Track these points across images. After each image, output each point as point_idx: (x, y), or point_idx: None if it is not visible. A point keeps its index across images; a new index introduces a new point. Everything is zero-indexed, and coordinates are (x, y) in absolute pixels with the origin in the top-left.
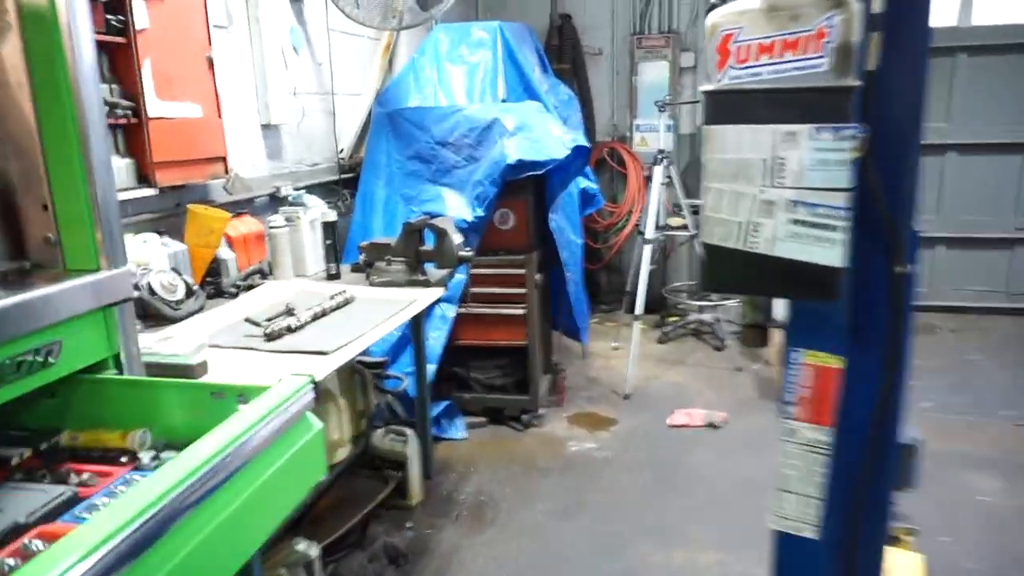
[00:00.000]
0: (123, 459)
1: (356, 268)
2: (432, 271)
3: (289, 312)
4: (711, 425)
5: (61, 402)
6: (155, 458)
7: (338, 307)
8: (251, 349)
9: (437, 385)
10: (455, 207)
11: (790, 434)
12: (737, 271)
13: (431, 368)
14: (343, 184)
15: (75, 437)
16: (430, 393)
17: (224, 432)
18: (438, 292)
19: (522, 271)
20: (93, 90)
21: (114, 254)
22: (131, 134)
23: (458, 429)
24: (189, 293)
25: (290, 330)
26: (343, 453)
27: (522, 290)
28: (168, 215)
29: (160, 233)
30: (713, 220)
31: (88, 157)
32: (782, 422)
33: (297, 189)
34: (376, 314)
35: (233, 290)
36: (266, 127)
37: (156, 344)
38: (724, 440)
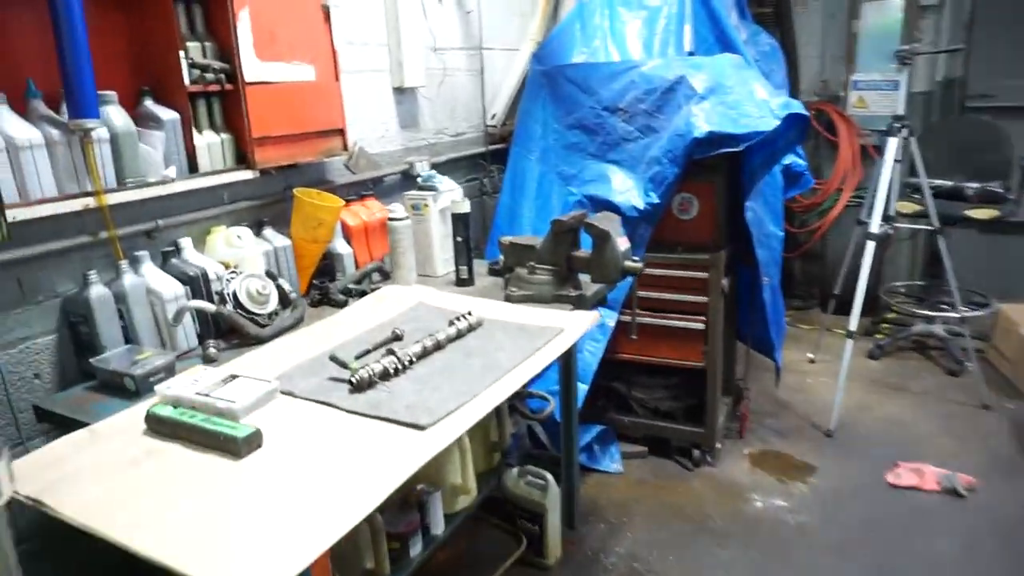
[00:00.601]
0: None
1: (494, 270)
2: (587, 283)
3: (393, 340)
4: (952, 492)
5: None
6: None
7: (459, 336)
8: (328, 405)
9: (591, 402)
10: (623, 190)
11: None
12: None
13: (583, 388)
14: (492, 158)
15: None
16: (580, 416)
17: None
18: (592, 317)
19: (705, 274)
20: None
21: None
22: (229, 103)
23: (612, 459)
24: (286, 302)
25: (385, 376)
26: (465, 501)
27: (703, 298)
28: (274, 201)
29: (262, 225)
30: None
31: None
32: None
33: (436, 165)
34: (507, 351)
35: (341, 297)
36: (399, 91)
37: (216, 388)
38: (971, 516)
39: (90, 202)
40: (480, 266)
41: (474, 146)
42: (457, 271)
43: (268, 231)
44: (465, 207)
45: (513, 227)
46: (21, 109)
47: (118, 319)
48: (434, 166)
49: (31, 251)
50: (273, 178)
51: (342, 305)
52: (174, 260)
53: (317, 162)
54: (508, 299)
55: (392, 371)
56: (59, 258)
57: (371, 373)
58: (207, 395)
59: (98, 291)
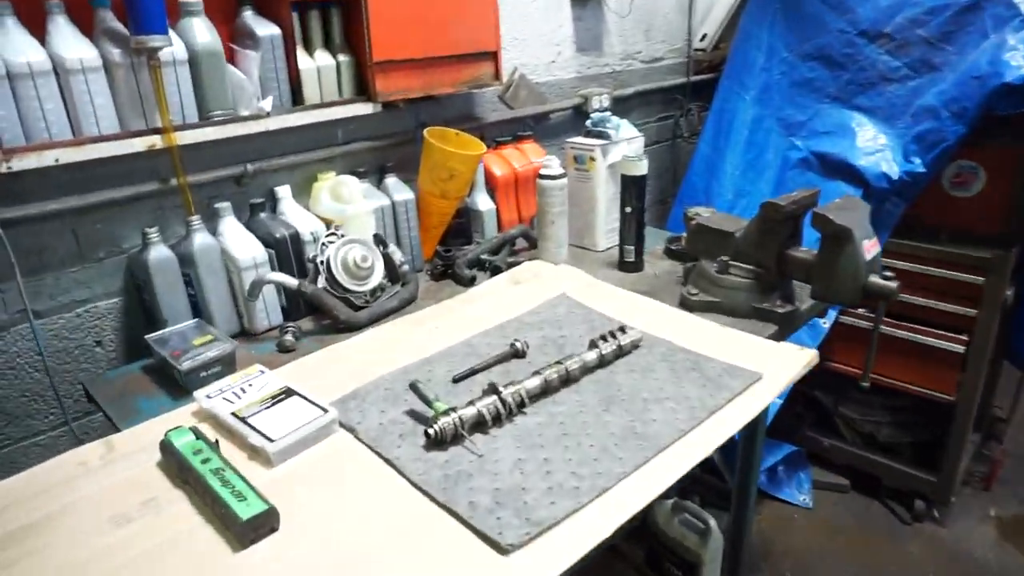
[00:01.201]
0: None
1: (672, 252)
2: (803, 293)
3: (512, 357)
4: None
5: None
6: None
7: (602, 364)
8: (391, 465)
9: (784, 411)
10: (872, 149)
11: None
12: None
13: (775, 404)
14: (694, 92)
15: None
16: (766, 432)
17: None
18: (806, 359)
19: (979, 279)
20: None
21: None
22: (349, 17)
23: (801, 489)
24: (394, 276)
25: (480, 425)
26: None
27: (970, 311)
28: (402, 141)
29: (384, 172)
30: None
31: None
32: None
33: (620, 100)
34: (668, 405)
35: (468, 273)
36: (579, 3)
37: (262, 409)
38: None
39: (157, 141)
40: (657, 238)
41: (673, 75)
42: (621, 251)
43: (391, 180)
44: (641, 168)
45: (710, 186)
46: (87, 22)
47: (184, 287)
48: (618, 101)
49: (88, 199)
50: (401, 113)
51: (468, 283)
52: (262, 215)
53: (461, 93)
54: (684, 304)
55: (490, 419)
56: (123, 208)
57: (457, 424)
58: (245, 419)
59: (158, 253)
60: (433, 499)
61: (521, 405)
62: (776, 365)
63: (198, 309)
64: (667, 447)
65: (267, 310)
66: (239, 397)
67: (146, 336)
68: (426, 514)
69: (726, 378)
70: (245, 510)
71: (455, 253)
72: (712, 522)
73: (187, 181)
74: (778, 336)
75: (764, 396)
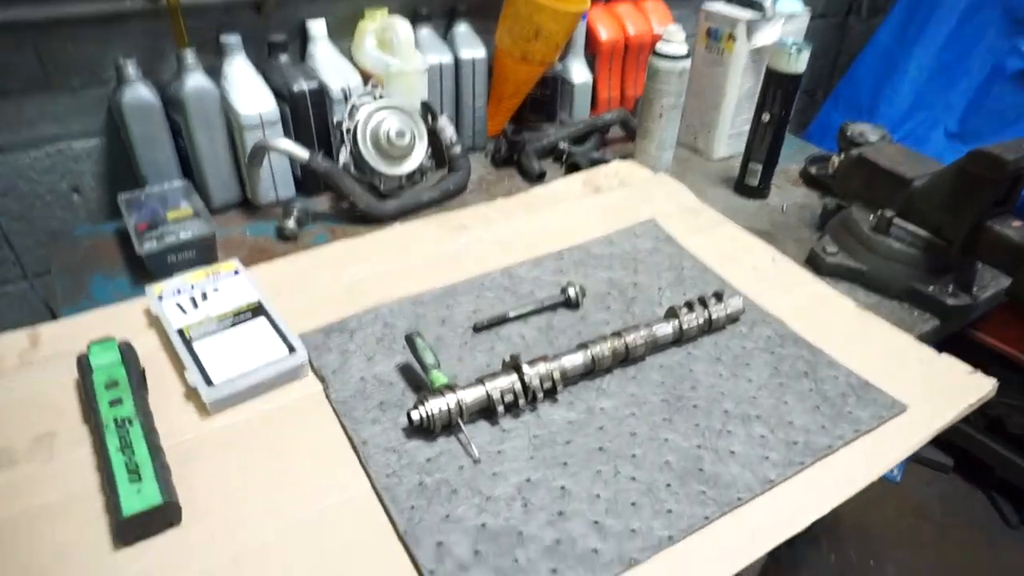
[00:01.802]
0: None
1: (812, 178)
2: (985, 275)
3: (561, 304)
4: None
5: None
6: None
7: (677, 340)
8: (355, 450)
9: None
10: None
11: None
12: None
13: None
14: None
15: None
16: None
17: None
18: (986, 387)
19: None
20: None
21: None
22: None
23: None
24: (441, 159)
25: (488, 411)
26: None
27: None
28: None
29: (454, 17)
30: None
31: None
32: None
33: None
34: (759, 424)
35: (536, 167)
36: None
37: (219, 327)
38: None
39: None
40: (794, 150)
41: None
42: (744, 169)
43: (462, 29)
44: (798, 64)
45: (880, 87)
46: None
47: (171, 139)
48: None
49: (48, 12)
50: None
51: (535, 179)
52: (283, 58)
53: None
54: (813, 262)
55: (503, 407)
56: (103, 29)
57: (453, 411)
58: (190, 341)
59: (135, 93)
60: (390, 518)
61: (552, 391)
62: (931, 390)
63: (187, 168)
64: (741, 505)
65: (275, 180)
66: (196, 306)
67: (119, 195)
68: (379, 542)
69: (852, 401)
70: (131, 500)
71: (526, 136)
72: None
73: (178, 1)
74: (934, 335)
75: (904, 442)
